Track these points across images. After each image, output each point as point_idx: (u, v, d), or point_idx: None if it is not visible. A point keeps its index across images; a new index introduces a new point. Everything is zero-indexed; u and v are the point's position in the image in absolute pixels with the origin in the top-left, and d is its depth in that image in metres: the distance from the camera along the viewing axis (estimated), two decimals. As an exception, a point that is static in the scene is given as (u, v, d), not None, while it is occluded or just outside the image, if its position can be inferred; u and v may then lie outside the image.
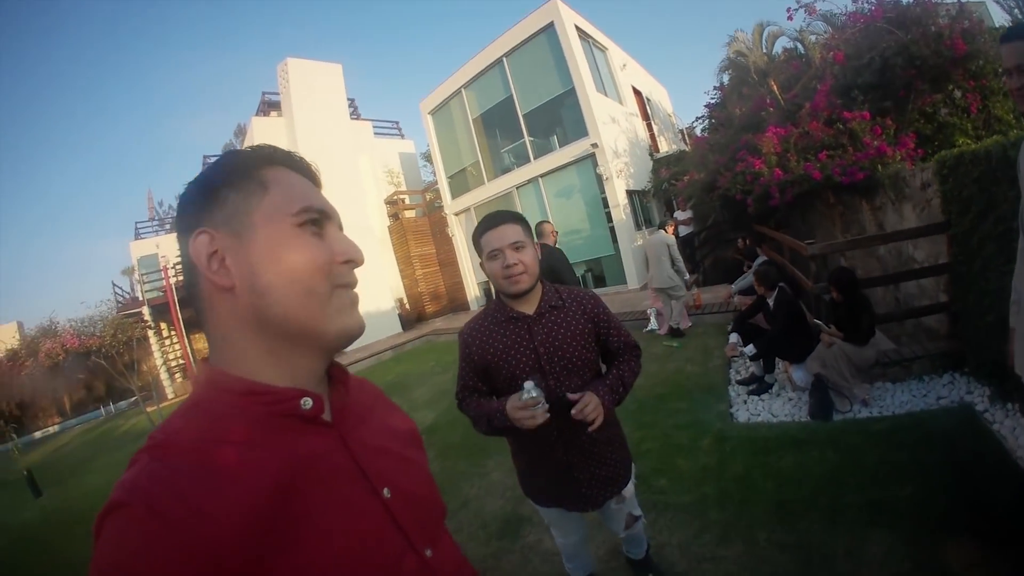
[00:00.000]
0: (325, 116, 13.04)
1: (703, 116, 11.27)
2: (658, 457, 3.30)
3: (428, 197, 16.15)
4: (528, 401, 1.32)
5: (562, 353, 1.51)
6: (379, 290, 13.14)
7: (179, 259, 0.67)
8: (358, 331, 0.60)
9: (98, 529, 0.45)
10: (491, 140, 13.23)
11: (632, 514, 1.79)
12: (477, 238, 1.52)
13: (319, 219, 0.58)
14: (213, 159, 0.70)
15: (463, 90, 13.24)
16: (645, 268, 7.16)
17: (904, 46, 5.31)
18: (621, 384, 1.56)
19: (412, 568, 0.58)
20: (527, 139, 11.97)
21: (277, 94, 13.62)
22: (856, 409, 3.46)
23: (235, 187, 0.56)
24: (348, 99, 14.84)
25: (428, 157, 17.14)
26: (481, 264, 1.54)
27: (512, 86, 12.02)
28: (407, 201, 15.70)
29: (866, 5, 6.25)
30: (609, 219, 10.81)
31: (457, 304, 14.98)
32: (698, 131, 11.59)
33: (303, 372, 0.58)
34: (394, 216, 15.32)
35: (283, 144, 0.89)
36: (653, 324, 6.91)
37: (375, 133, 16.75)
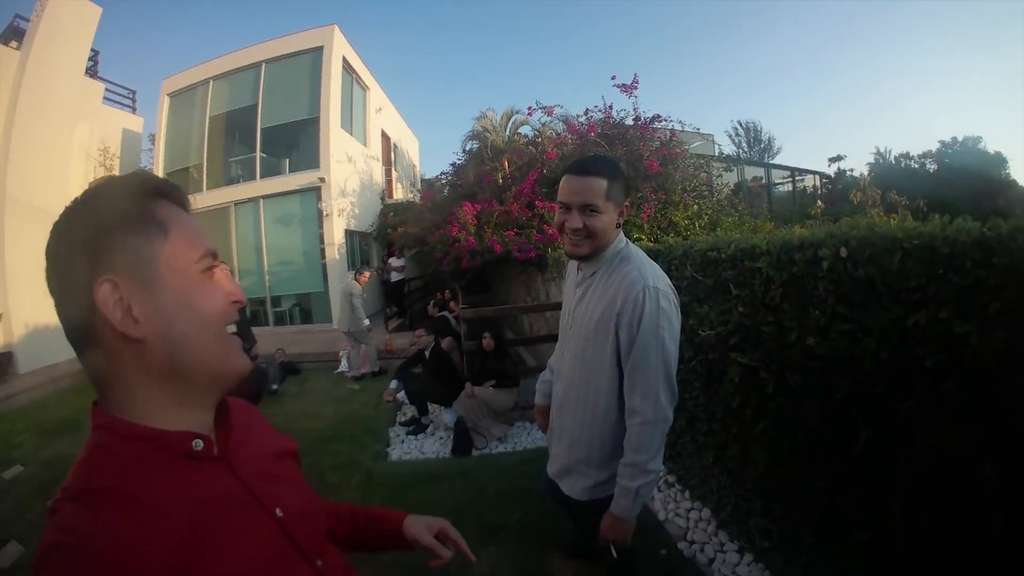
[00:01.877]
0: (63, 64, 8.92)
1: (448, 172, 11.56)
2: (312, 496, 3.08)
3: (143, 190, 12.36)
4: None
5: None
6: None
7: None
8: (247, 368, 0.60)
9: (39, 571, 0.46)
10: (224, 144, 11.26)
11: None
12: None
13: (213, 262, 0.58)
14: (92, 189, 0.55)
15: (212, 81, 11.08)
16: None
17: None
18: None
19: None
20: (259, 154, 10.62)
21: (28, 20, 8.87)
22: (493, 446, 3.82)
23: (134, 230, 0.52)
24: (92, 50, 10.72)
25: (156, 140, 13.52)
26: None
27: (261, 95, 10.63)
28: (117, 192, 11.72)
29: (596, 115, 7.43)
30: (323, 256, 10.20)
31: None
32: (443, 184, 11.78)
33: (199, 413, 0.58)
34: (97, 209, 11.15)
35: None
36: (344, 366, 6.72)
37: (104, 99, 12.34)
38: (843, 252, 1.53)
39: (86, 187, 0.55)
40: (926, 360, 1.24)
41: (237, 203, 10.65)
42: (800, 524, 1.82)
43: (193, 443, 0.55)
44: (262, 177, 10.59)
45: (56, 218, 0.53)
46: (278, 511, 0.59)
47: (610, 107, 7.51)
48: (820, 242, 1.64)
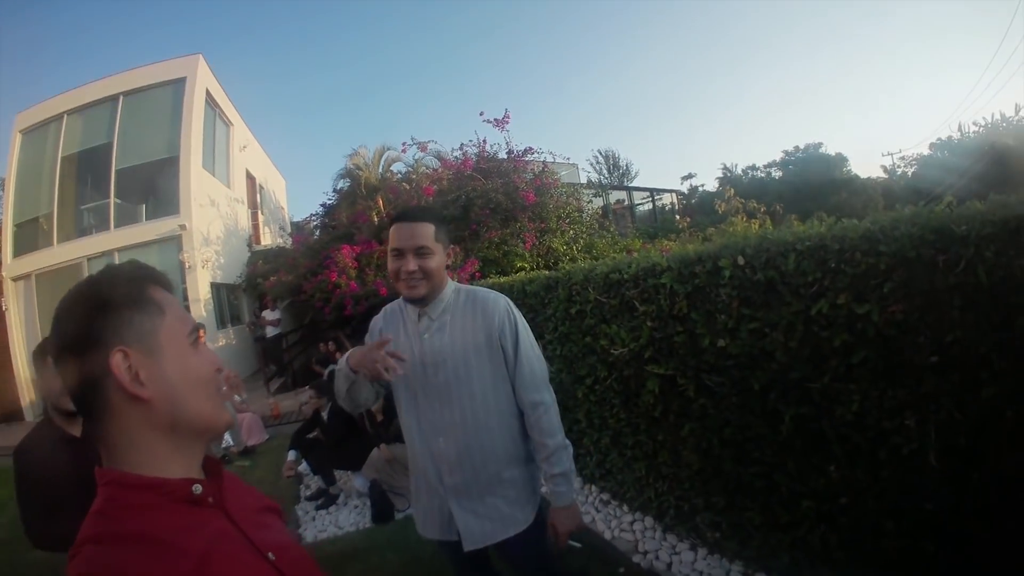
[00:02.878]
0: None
1: (317, 215, 10.82)
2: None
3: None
4: None
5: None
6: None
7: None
8: (232, 423, 0.83)
9: None
10: (76, 190, 9.52)
11: None
12: None
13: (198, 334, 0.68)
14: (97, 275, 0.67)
15: (66, 116, 9.31)
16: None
17: (485, 191, 6.59)
18: None
19: None
20: (113, 200, 9.16)
21: None
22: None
23: (137, 308, 0.62)
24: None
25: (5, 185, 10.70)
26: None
27: (116, 132, 9.18)
28: (-39, 249, 9.05)
29: (470, 149, 7.47)
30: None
31: (7, 411, 9.08)
32: (313, 227, 10.94)
33: (193, 462, 0.65)
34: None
35: None
36: (228, 440, 5.76)
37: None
38: (741, 260, 1.71)
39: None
40: (833, 341, 1.44)
41: (90, 258, 9.03)
42: (746, 508, 1.95)
43: (193, 487, 0.61)
44: (117, 226, 9.15)
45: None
46: (270, 555, 0.64)
47: (483, 141, 7.72)
48: (718, 254, 1.81)
